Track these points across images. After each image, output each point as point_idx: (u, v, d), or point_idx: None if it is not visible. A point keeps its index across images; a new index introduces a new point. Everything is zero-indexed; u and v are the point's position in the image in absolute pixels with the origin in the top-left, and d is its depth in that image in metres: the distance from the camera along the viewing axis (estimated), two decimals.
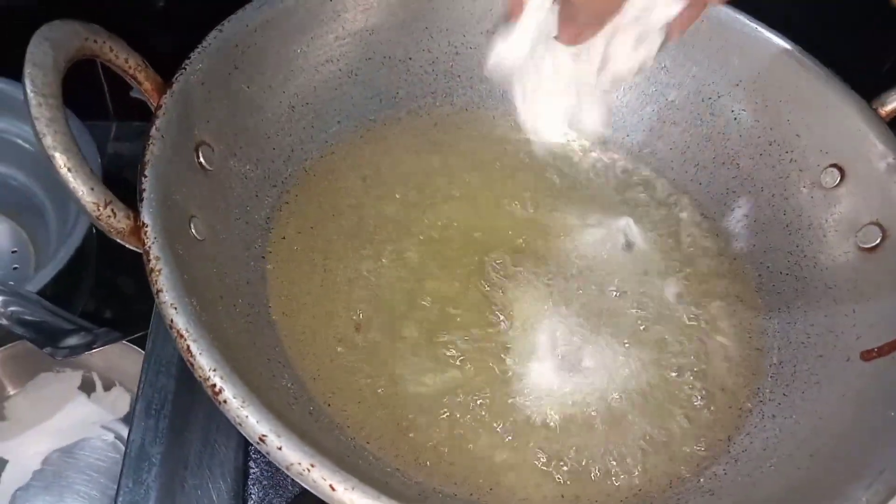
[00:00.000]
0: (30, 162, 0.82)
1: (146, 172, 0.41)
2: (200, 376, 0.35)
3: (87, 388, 0.72)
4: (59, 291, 0.67)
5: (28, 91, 0.36)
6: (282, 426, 0.34)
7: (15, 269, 0.80)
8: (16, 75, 0.78)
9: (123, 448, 0.68)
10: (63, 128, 0.37)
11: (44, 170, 0.79)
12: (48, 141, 0.36)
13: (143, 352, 0.65)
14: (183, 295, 0.37)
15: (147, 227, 0.39)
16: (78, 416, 0.71)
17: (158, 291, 0.37)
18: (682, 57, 0.63)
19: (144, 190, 0.40)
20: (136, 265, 0.77)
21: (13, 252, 0.81)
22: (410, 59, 0.64)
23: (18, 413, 0.71)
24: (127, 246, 0.40)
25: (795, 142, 0.58)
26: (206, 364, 0.35)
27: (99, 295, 0.77)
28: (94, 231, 0.71)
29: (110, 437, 0.70)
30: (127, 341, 0.66)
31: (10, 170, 0.84)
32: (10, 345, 0.67)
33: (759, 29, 0.59)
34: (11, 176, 0.84)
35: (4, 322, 0.61)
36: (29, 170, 0.83)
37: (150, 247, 0.38)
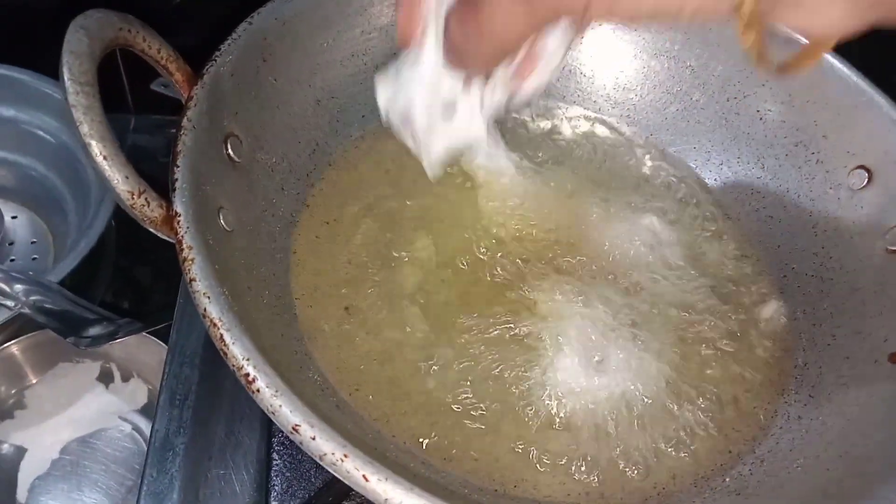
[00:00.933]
0: (50, 153, 0.82)
1: (178, 162, 0.41)
2: (234, 365, 0.35)
3: (105, 378, 0.72)
4: (79, 282, 0.67)
5: (66, 79, 0.36)
6: (314, 416, 0.34)
7: (34, 259, 0.80)
8: (37, 68, 0.79)
9: (140, 439, 0.69)
10: (100, 116, 0.37)
11: (64, 161, 0.80)
12: (85, 129, 0.37)
13: (161, 343, 0.66)
14: (215, 284, 0.37)
15: (180, 216, 0.39)
16: (96, 406, 0.71)
17: (192, 280, 0.37)
18: (706, 56, 0.63)
19: (177, 180, 0.40)
20: (153, 257, 0.78)
21: (32, 243, 0.82)
22: None
23: (38, 402, 0.71)
24: (159, 235, 0.40)
25: (822, 143, 0.58)
26: (239, 353, 0.35)
27: (116, 286, 0.77)
28: (113, 223, 0.72)
29: (128, 427, 0.70)
30: (146, 333, 0.66)
31: (30, 161, 0.84)
32: (31, 334, 0.68)
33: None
34: (31, 167, 0.84)
35: (26, 311, 0.62)
36: (49, 161, 0.83)
37: (182, 236, 0.38)
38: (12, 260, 0.80)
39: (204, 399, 0.52)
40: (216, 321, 0.36)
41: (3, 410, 0.69)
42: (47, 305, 0.63)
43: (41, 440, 0.69)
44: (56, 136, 0.81)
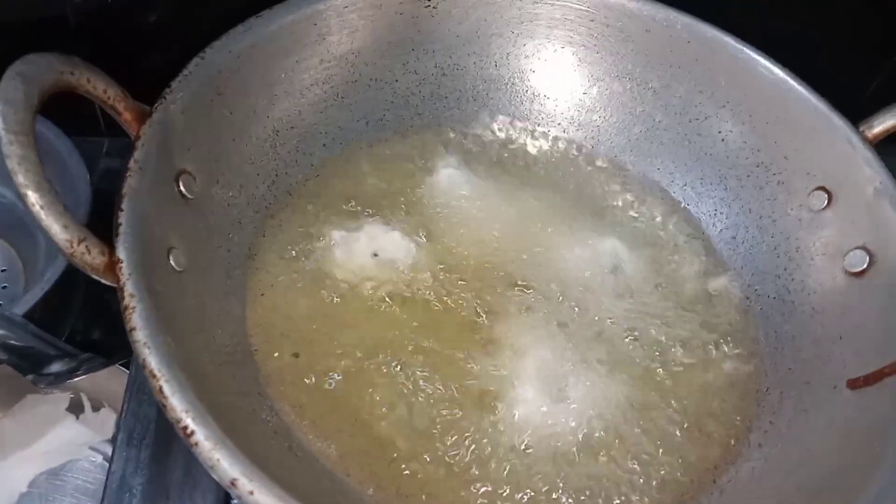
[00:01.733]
0: None
1: (123, 206, 0.41)
2: (172, 417, 0.34)
3: (75, 409, 0.71)
4: (48, 312, 0.67)
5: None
6: (254, 469, 0.33)
7: (4, 287, 0.80)
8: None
9: None
10: (35, 166, 0.36)
11: None
12: (20, 179, 0.36)
13: None
14: (156, 333, 0.37)
15: (122, 262, 0.39)
16: (66, 437, 0.70)
17: (132, 330, 0.36)
18: (668, 78, 0.63)
19: (121, 224, 0.40)
20: None
21: (2, 271, 0.81)
22: (397, 81, 0.64)
23: (5, 436, 0.70)
24: (103, 282, 0.40)
25: (783, 164, 0.58)
26: (178, 405, 0.34)
27: (88, 315, 0.76)
28: None
29: (98, 458, 0.69)
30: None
31: None
32: None
33: (746, 50, 0.58)
34: (0, 194, 0.83)
35: None
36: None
37: (124, 283, 0.38)
38: None
39: (162, 438, 0.51)
40: (155, 372, 0.35)
41: None
42: (10, 341, 0.62)
43: (9, 474, 0.68)
44: None
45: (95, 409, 0.71)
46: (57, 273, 0.68)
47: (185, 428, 0.34)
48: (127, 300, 0.37)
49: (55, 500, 0.67)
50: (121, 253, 0.39)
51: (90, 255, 0.39)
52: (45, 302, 0.66)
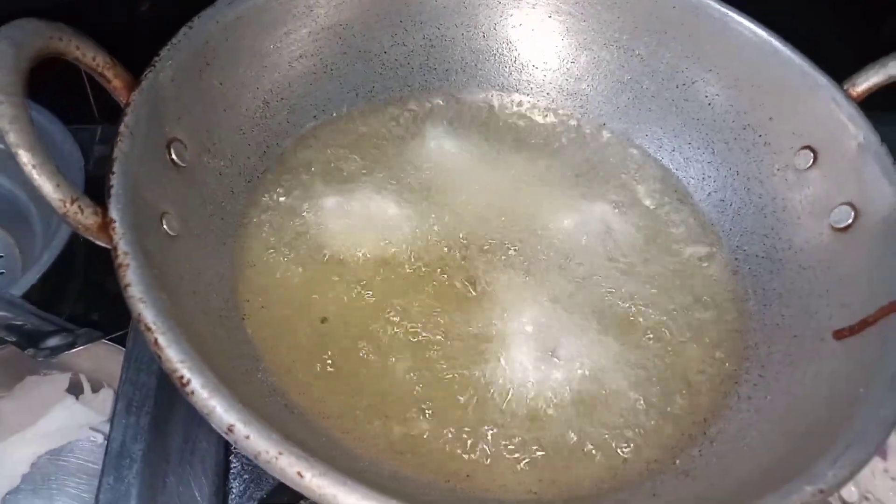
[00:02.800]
0: (14, 167, 0.81)
1: (114, 169, 0.41)
2: (168, 368, 0.35)
3: (74, 390, 0.72)
4: (46, 294, 0.67)
5: None
6: (250, 415, 0.34)
7: (1, 274, 0.80)
8: None
9: None
10: (26, 126, 0.37)
11: None
12: (11, 138, 0.37)
13: None
14: (151, 289, 0.37)
15: (115, 222, 0.39)
16: (66, 418, 0.71)
17: (126, 286, 0.37)
18: (654, 44, 0.63)
19: (112, 186, 0.40)
20: None
21: (0, 257, 0.81)
22: (385, 52, 0.64)
23: (6, 417, 0.70)
24: (96, 242, 0.40)
25: (768, 125, 0.58)
26: (173, 356, 0.35)
27: (87, 296, 0.77)
28: (77, 236, 0.71)
29: (99, 438, 0.69)
30: (113, 342, 0.66)
31: None
32: None
33: (730, 13, 0.59)
34: None
35: None
36: (13, 175, 0.83)
37: (117, 242, 0.38)
38: None
39: (161, 405, 0.52)
40: (150, 325, 0.36)
41: None
42: (9, 321, 0.63)
43: (11, 455, 0.68)
44: None
45: (95, 389, 0.72)
46: (54, 255, 0.69)
47: (181, 377, 0.34)
48: (121, 258, 0.38)
49: (57, 480, 0.68)
50: (113, 213, 0.39)
51: (83, 215, 0.39)
52: (42, 284, 0.67)
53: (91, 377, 0.72)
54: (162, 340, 0.35)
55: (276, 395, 0.45)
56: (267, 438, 0.33)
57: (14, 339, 0.61)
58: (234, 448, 0.34)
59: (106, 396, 0.72)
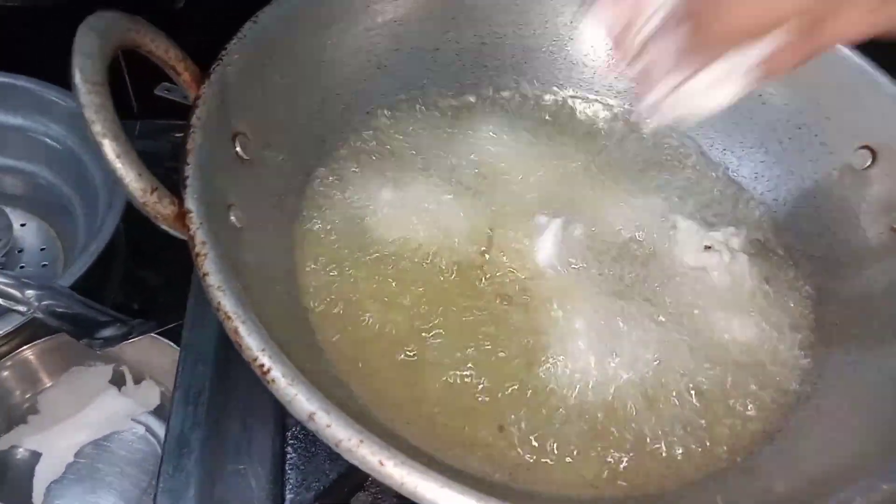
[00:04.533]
0: (57, 160, 0.83)
1: (188, 160, 0.42)
2: (248, 356, 0.35)
3: (117, 381, 0.72)
4: (90, 285, 0.68)
5: (77, 79, 0.37)
6: (330, 404, 0.34)
7: (44, 266, 0.81)
8: (42, 76, 0.80)
9: (154, 440, 0.69)
10: (112, 115, 0.37)
11: (71, 168, 0.81)
12: (97, 128, 0.37)
13: (172, 345, 0.66)
14: (229, 278, 0.37)
15: (191, 212, 0.39)
16: (109, 409, 0.71)
17: (205, 275, 0.37)
18: None
19: (188, 177, 0.41)
20: (162, 260, 0.79)
21: (42, 250, 0.82)
22: (437, 49, 0.64)
23: (51, 406, 0.71)
24: (171, 232, 0.41)
25: (825, 124, 0.58)
26: (254, 344, 0.35)
27: (127, 289, 0.78)
28: (122, 227, 0.72)
29: (141, 429, 0.70)
30: (156, 334, 0.67)
31: (38, 169, 0.85)
32: (45, 338, 0.68)
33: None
34: (39, 175, 0.85)
35: (39, 315, 0.62)
36: (56, 168, 0.84)
37: (194, 232, 0.39)
38: (22, 267, 0.80)
39: (218, 396, 0.53)
40: (230, 314, 0.36)
41: (17, 415, 0.70)
42: (59, 309, 0.63)
43: (55, 444, 0.69)
44: (63, 142, 0.82)
45: (137, 381, 0.73)
46: (100, 247, 0.69)
47: (262, 366, 0.35)
48: (198, 248, 0.38)
49: (101, 469, 0.69)
50: (190, 204, 0.40)
51: (161, 205, 0.39)
52: (87, 277, 0.67)
53: (133, 369, 0.72)
54: (242, 330, 0.36)
55: (341, 387, 0.45)
56: (349, 426, 0.34)
57: (69, 329, 0.61)
58: (315, 434, 0.34)
59: (148, 388, 0.73)
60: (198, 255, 0.38)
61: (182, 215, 0.40)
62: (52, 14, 0.80)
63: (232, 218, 0.45)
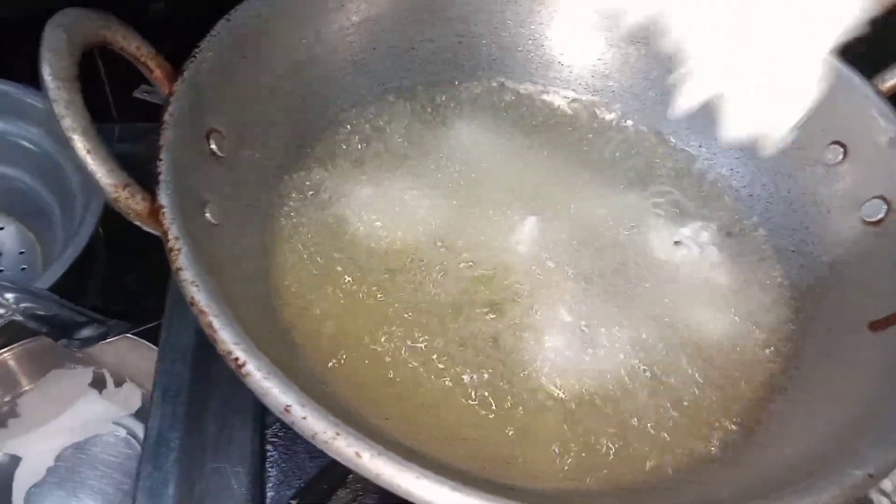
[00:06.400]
0: (34, 163, 0.82)
1: (161, 156, 0.41)
2: (223, 350, 0.35)
3: (98, 384, 0.72)
4: (69, 288, 0.67)
5: (45, 75, 0.37)
6: (305, 396, 0.34)
7: (23, 269, 0.80)
8: (19, 79, 0.79)
9: (136, 443, 0.69)
10: (81, 111, 0.37)
11: (48, 170, 0.80)
12: (67, 123, 0.37)
13: (153, 346, 0.66)
14: (203, 272, 0.37)
15: (164, 208, 0.39)
16: (90, 412, 0.71)
17: (178, 270, 0.37)
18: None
19: (160, 173, 0.41)
20: (141, 261, 0.78)
21: (21, 253, 0.82)
22: (413, 48, 0.65)
23: (31, 410, 0.71)
24: (144, 228, 0.41)
25: None
26: (228, 338, 0.35)
27: (107, 291, 0.77)
28: (101, 230, 0.72)
29: (122, 432, 0.70)
30: (137, 337, 0.67)
31: (16, 172, 0.84)
32: (24, 342, 0.68)
33: None
34: (18, 178, 0.84)
35: (18, 318, 0.62)
36: (34, 171, 0.83)
37: (168, 227, 0.39)
38: (1, 270, 0.80)
39: (196, 395, 0.52)
40: (204, 308, 0.36)
41: None
42: (38, 312, 0.63)
43: (36, 448, 0.69)
44: (39, 145, 0.81)
45: (118, 384, 0.72)
46: (78, 250, 0.69)
47: (237, 359, 0.35)
48: (172, 243, 0.38)
49: (81, 473, 0.68)
50: (163, 199, 0.40)
51: (133, 200, 0.39)
52: (65, 279, 0.67)
53: (114, 372, 0.72)
54: (216, 323, 0.36)
55: (317, 383, 0.45)
56: (324, 419, 0.34)
57: (47, 330, 0.61)
58: (291, 427, 0.34)
59: (129, 391, 0.72)
60: (171, 250, 0.38)
61: (155, 211, 0.40)
62: (19, 17, 0.80)
63: (207, 215, 0.45)
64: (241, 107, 0.52)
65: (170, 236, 0.38)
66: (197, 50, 0.48)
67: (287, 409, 0.34)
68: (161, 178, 0.41)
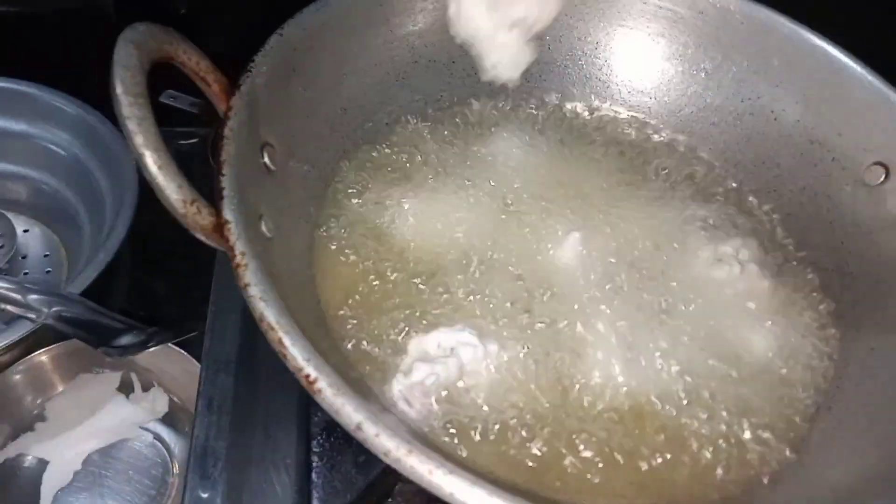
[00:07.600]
0: (62, 167, 0.82)
1: (224, 171, 0.42)
2: (293, 366, 0.35)
3: (125, 388, 0.72)
4: (96, 294, 0.68)
5: (118, 92, 0.37)
6: (376, 414, 0.34)
7: (48, 272, 0.80)
8: (47, 82, 0.79)
9: (162, 448, 0.69)
10: (153, 127, 0.38)
11: (76, 174, 0.81)
12: (139, 140, 0.37)
13: (182, 352, 0.66)
14: (270, 288, 0.38)
15: (230, 223, 0.40)
16: (117, 416, 0.71)
17: (246, 286, 0.38)
18: (721, 58, 0.64)
19: (224, 188, 0.41)
20: (167, 269, 0.78)
21: (45, 256, 0.82)
22: (454, 62, 0.65)
23: (59, 414, 0.71)
24: (208, 243, 0.41)
25: (837, 140, 0.59)
26: (299, 355, 0.36)
27: (132, 298, 0.77)
28: (128, 236, 0.72)
29: (149, 437, 0.70)
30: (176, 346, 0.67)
31: (42, 175, 0.84)
32: (55, 345, 0.68)
33: (800, 30, 0.60)
34: (43, 181, 0.84)
35: (50, 322, 0.62)
36: (61, 175, 0.83)
37: (234, 242, 0.39)
38: (26, 273, 0.80)
39: (240, 404, 0.53)
40: (273, 325, 0.36)
41: (24, 423, 0.69)
42: (69, 315, 0.63)
43: (63, 452, 0.69)
44: (68, 149, 0.82)
45: (145, 388, 0.72)
46: (110, 254, 0.69)
47: (308, 376, 0.35)
48: (238, 258, 0.38)
49: (109, 477, 0.68)
50: (228, 215, 0.40)
51: (201, 216, 0.40)
52: (93, 285, 0.67)
53: (142, 376, 0.72)
54: (286, 340, 0.36)
55: (370, 395, 0.46)
56: (396, 436, 0.34)
57: (84, 336, 0.61)
58: (363, 444, 0.34)
59: (156, 395, 0.72)
60: (238, 265, 0.38)
61: (220, 226, 0.40)
62: (50, 20, 0.80)
63: (263, 228, 0.45)
64: (291, 120, 0.53)
65: (236, 251, 0.39)
66: (252, 64, 0.49)
67: (359, 427, 0.34)
68: (225, 192, 0.41)
